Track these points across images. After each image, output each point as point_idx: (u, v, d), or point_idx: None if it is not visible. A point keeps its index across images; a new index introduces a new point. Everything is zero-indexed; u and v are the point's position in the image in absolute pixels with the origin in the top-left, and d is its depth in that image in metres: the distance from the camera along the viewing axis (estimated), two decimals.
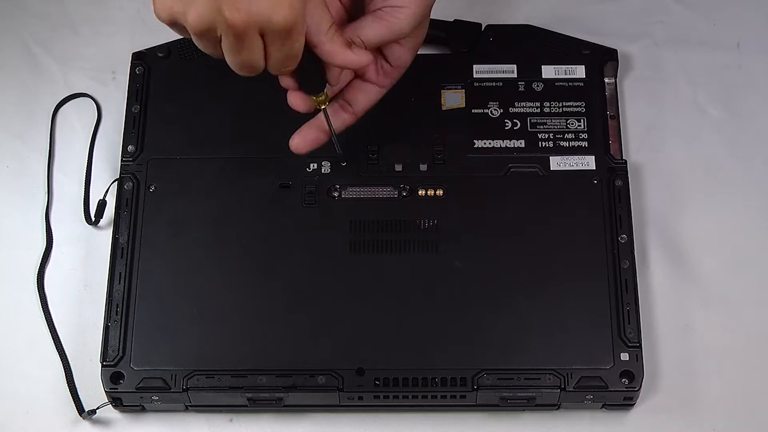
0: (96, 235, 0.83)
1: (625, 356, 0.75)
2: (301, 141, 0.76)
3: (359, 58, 0.71)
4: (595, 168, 0.80)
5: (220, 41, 0.66)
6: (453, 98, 0.83)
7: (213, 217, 0.79)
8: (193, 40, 0.67)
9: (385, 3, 0.71)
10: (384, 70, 0.75)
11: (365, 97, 0.76)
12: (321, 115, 0.75)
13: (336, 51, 0.69)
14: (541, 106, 0.83)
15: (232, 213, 0.79)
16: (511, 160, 0.81)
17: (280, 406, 0.76)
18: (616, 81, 0.85)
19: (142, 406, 0.77)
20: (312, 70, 0.71)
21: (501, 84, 0.84)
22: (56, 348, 0.79)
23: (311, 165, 0.81)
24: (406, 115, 0.83)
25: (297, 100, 0.73)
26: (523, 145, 0.82)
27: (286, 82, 0.72)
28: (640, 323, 0.76)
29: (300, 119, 0.81)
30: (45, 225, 0.83)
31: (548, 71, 0.84)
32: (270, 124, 0.82)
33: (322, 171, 0.81)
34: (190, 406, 0.77)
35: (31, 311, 0.80)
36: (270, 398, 0.75)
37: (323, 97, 0.73)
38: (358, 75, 0.75)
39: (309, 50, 0.69)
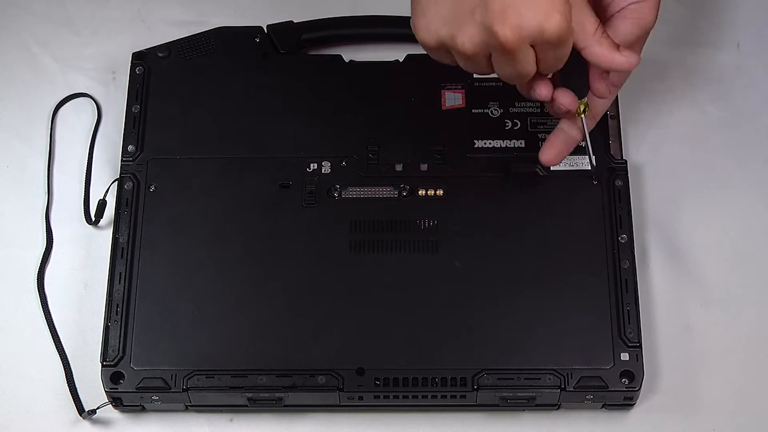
0: (96, 235, 0.83)
1: (625, 356, 0.75)
2: (554, 154, 0.76)
3: (628, 59, 0.69)
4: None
5: (489, 58, 0.66)
6: (453, 98, 0.83)
7: (213, 217, 0.79)
8: (460, 61, 0.68)
9: (628, 1, 0.70)
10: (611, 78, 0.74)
11: (603, 103, 0.76)
12: (563, 125, 0.75)
13: (604, 53, 0.68)
14: (542, 106, 0.83)
15: (232, 213, 0.79)
16: (511, 160, 0.81)
17: (280, 406, 0.76)
18: None
19: (142, 406, 0.77)
20: (577, 74, 0.70)
21: (501, 84, 0.83)
22: (56, 348, 0.79)
23: (311, 165, 0.81)
24: (406, 115, 0.83)
25: (567, 99, 0.71)
26: (523, 145, 0.82)
27: (542, 90, 0.70)
28: (640, 323, 0.76)
29: (301, 121, 0.81)
30: (45, 225, 0.83)
31: None
32: (270, 124, 0.82)
33: (322, 171, 0.81)
34: (190, 406, 0.77)
35: (31, 311, 0.80)
36: (270, 398, 0.75)
37: (583, 106, 0.72)
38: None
39: (575, 54, 0.68)
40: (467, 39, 0.65)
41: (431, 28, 0.67)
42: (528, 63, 0.66)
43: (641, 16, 0.71)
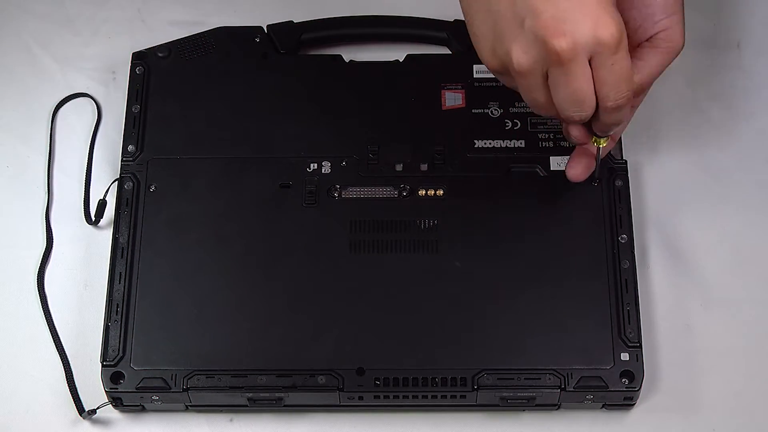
0: (96, 235, 0.83)
1: (625, 356, 0.75)
2: (581, 170, 0.77)
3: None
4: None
5: (546, 80, 0.66)
6: (453, 98, 0.83)
7: (213, 217, 0.79)
8: (519, 85, 0.67)
9: (655, 30, 0.70)
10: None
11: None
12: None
13: None
14: None
15: (232, 213, 0.79)
16: (511, 160, 0.81)
17: (280, 406, 0.76)
18: None
19: (142, 406, 0.77)
20: None
21: (501, 84, 0.83)
22: (56, 348, 0.79)
23: (311, 165, 0.81)
24: (406, 115, 0.83)
25: (580, 133, 0.72)
26: (523, 145, 0.82)
27: (577, 132, 0.72)
28: (640, 323, 0.76)
29: (301, 121, 0.81)
30: (45, 225, 0.83)
31: None
32: (270, 124, 0.82)
33: (322, 171, 0.81)
34: (190, 406, 0.77)
35: (31, 311, 0.80)
36: (270, 398, 0.75)
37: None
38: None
39: None
40: (521, 51, 0.65)
41: (487, 49, 0.67)
42: (585, 81, 0.65)
43: (672, 43, 0.71)
